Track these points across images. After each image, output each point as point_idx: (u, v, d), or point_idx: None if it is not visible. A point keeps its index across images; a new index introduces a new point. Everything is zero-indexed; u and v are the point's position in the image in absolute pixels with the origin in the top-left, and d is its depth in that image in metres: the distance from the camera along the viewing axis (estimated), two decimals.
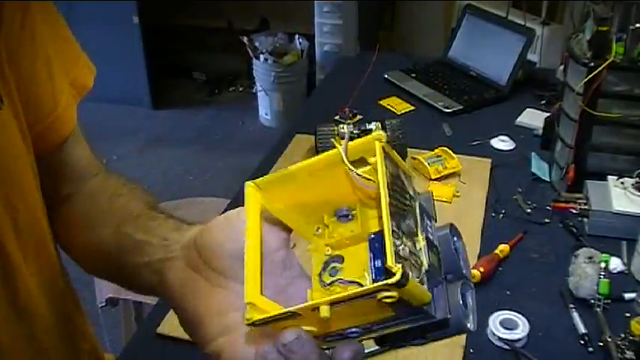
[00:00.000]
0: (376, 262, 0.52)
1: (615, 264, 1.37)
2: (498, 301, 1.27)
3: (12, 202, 0.71)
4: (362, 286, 0.50)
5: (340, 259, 0.56)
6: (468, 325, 0.54)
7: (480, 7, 2.29)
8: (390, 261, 0.46)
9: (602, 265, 1.32)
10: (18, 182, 0.72)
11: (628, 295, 1.29)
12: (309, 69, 4.02)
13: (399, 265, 0.45)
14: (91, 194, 0.82)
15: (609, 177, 1.54)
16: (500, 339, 1.18)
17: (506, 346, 1.17)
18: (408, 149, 1.70)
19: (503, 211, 1.56)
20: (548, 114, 1.80)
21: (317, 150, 1.68)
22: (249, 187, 0.58)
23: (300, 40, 3.97)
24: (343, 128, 1.67)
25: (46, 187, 0.79)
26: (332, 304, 0.48)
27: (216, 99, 4.32)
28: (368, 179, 0.54)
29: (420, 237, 0.53)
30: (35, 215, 0.77)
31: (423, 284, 0.49)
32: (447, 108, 2.02)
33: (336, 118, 1.92)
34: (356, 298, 0.47)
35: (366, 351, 1.17)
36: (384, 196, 0.49)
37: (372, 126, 1.66)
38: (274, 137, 2.11)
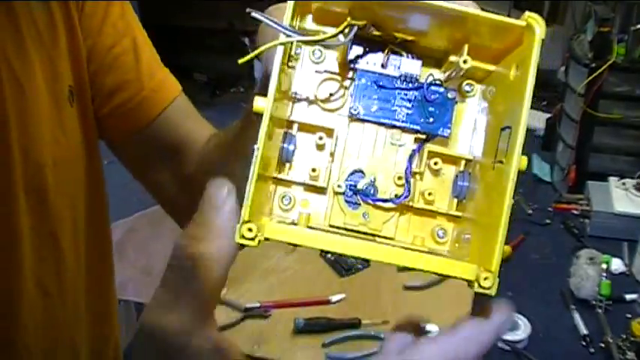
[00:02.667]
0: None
1: (616, 265, 1.37)
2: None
3: (74, 201, 0.74)
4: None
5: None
6: None
7: (481, 8, 2.28)
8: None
9: (604, 266, 1.32)
10: (79, 181, 0.74)
11: (629, 296, 1.29)
12: None
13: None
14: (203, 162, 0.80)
15: (610, 178, 1.54)
16: (501, 340, 1.18)
17: (508, 347, 1.17)
18: None
19: None
20: (549, 115, 1.80)
21: None
22: None
23: None
24: None
25: (163, 173, 0.80)
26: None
27: (217, 100, 4.31)
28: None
29: None
30: (97, 221, 0.79)
31: None
32: None
33: None
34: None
35: (365, 353, 1.18)
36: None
37: None
38: None
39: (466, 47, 0.42)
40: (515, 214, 1.51)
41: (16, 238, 0.67)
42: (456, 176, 0.47)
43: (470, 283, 0.39)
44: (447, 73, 0.46)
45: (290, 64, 0.44)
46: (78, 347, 0.80)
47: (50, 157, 0.68)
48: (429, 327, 1.18)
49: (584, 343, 1.19)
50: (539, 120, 1.84)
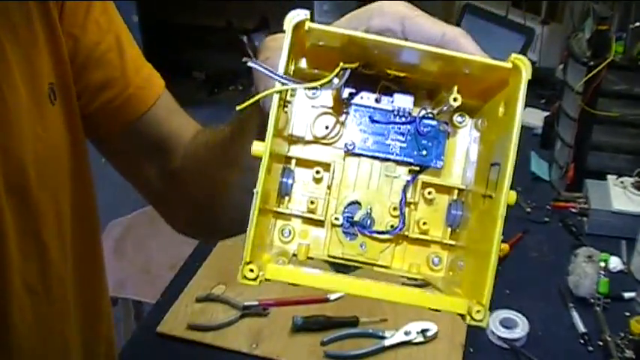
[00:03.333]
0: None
1: (615, 263, 1.37)
2: (498, 300, 1.27)
3: (59, 197, 0.73)
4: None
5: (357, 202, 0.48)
6: None
7: (480, 6, 2.28)
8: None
9: (602, 264, 1.32)
10: (63, 178, 0.74)
11: (627, 294, 1.29)
12: None
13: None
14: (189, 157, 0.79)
15: (609, 176, 1.54)
16: (500, 338, 1.18)
17: (506, 345, 1.17)
18: None
19: None
20: (547, 113, 1.80)
21: None
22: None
23: None
24: None
25: (149, 168, 0.80)
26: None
27: (215, 98, 4.31)
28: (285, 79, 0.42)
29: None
30: (84, 219, 0.79)
31: None
32: None
33: None
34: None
35: (364, 351, 1.18)
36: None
37: None
38: None
39: (456, 88, 0.43)
40: (514, 211, 1.50)
41: (0, 235, 0.66)
42: (450, 205, 0.48)
43: (462, 316, 0.40)
44: (439, 108, 0.47)
45: (287, 101, 0.45)
46: (69, 343, 0.79)
47: (32, 153, 0.67)
48: (427, 325, 1.19)
49: (582, 342, 1.19)
50: (538, 118, 1.85)
